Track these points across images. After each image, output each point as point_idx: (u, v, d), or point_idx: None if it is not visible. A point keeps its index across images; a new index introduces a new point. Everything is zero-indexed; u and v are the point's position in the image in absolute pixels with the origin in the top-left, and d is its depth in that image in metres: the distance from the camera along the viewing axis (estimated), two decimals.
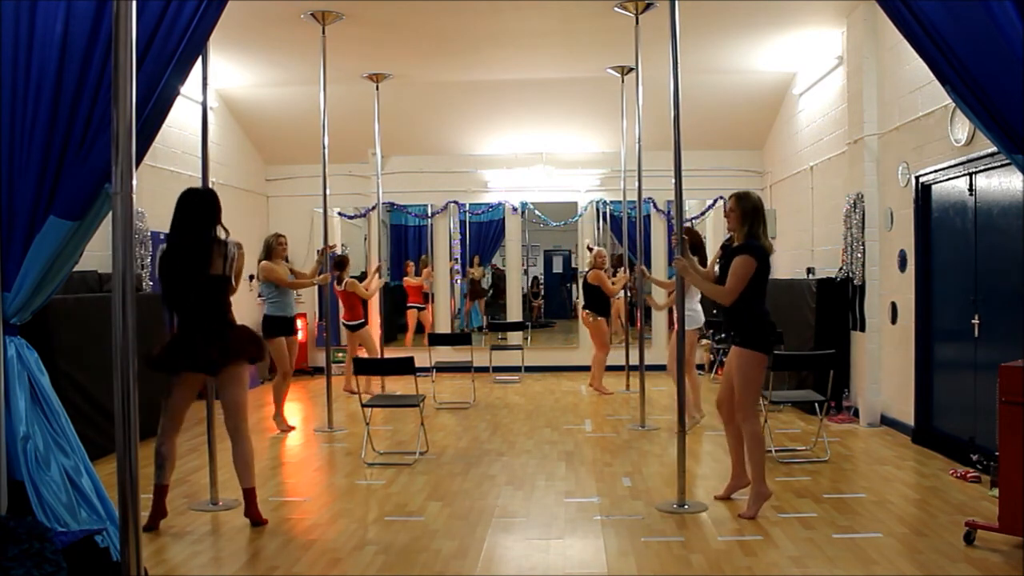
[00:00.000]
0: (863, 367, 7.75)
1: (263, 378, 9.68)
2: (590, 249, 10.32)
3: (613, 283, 9.90)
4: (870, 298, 7.75)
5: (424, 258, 12.72)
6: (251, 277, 11.51)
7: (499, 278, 13.94)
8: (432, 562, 4.24)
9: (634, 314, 10.85)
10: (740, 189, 5.36)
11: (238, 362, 4.76)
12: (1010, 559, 4.13)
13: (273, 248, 7.78)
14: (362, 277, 11.01)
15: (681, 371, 5.51)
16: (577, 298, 12.74)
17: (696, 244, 6.98)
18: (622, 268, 10.27)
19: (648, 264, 12.28)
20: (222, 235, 4.82)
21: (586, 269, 10.02)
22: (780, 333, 6.62)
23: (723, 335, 9.87)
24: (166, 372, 4.71)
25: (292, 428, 7.89)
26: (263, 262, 7.76)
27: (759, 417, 5.10)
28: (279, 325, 7.78)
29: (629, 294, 10.36)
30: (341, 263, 9.79)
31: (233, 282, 4.82)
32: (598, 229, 12.62)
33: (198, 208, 4.75)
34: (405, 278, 12.77)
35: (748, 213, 4.98)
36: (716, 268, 5.38)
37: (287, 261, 8.18)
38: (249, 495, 4.87)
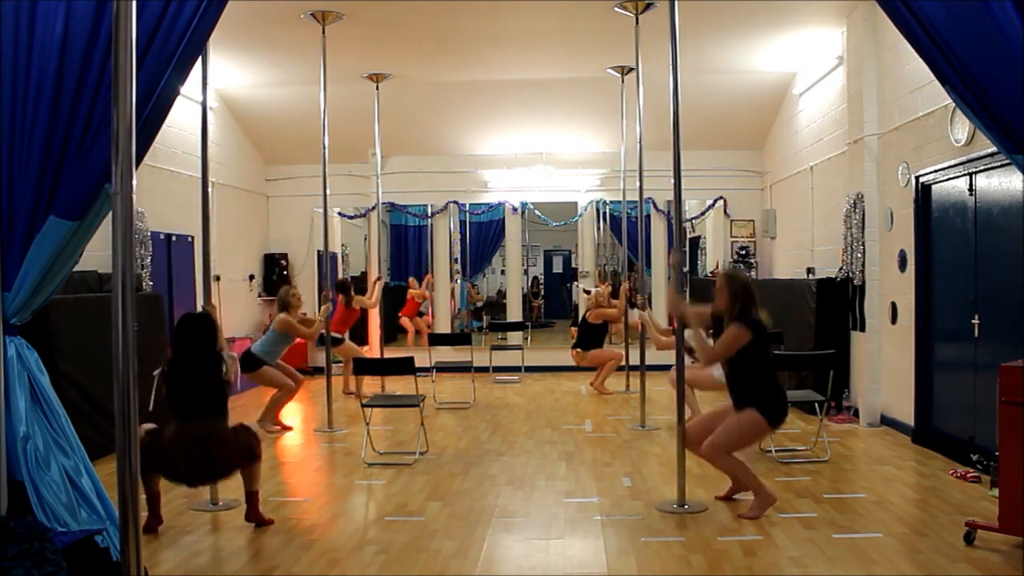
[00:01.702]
0: (863, 367, 7.75)
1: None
2: (587, 293, 10.27)
3: (615, 306, 9.86)
4: (870, 298, 7.74)
5: (428, 278, 12.66)
6: (251, 277, 11.55)
7: (500, 295, 14.01)
8: (432, 562, 4.24)
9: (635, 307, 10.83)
10: (727, 267, 5.38)
11: (224, 478, 4.80)
12: (1010, 559, 4.13)
13: (289, 303, 7.83)
14: (361, 278, 11.02)
15: (681, 371, 5.51)
16: (577, 298, 12.73)
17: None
18: (623, 284, 10.22)
19: (648, 264, 12.30)
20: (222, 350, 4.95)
21: (584, 311, 9.90)
22: (777, 356, 6.63)
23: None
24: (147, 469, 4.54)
25: (289, 428, 7.89)
26: (281, 315, 7.74)
27: (728, 458, 5.02)
28: (260, 361, 7.71)
29: (631, 301, 10.32)
30: (344, 287, 9.80)
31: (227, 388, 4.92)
32: (598, 229, 12.63)
33: (201, 331, 4.82)
34: (411, 291, 12.77)
35: (737, 293, 4.96)
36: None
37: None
38: (252, 498, 4.87)
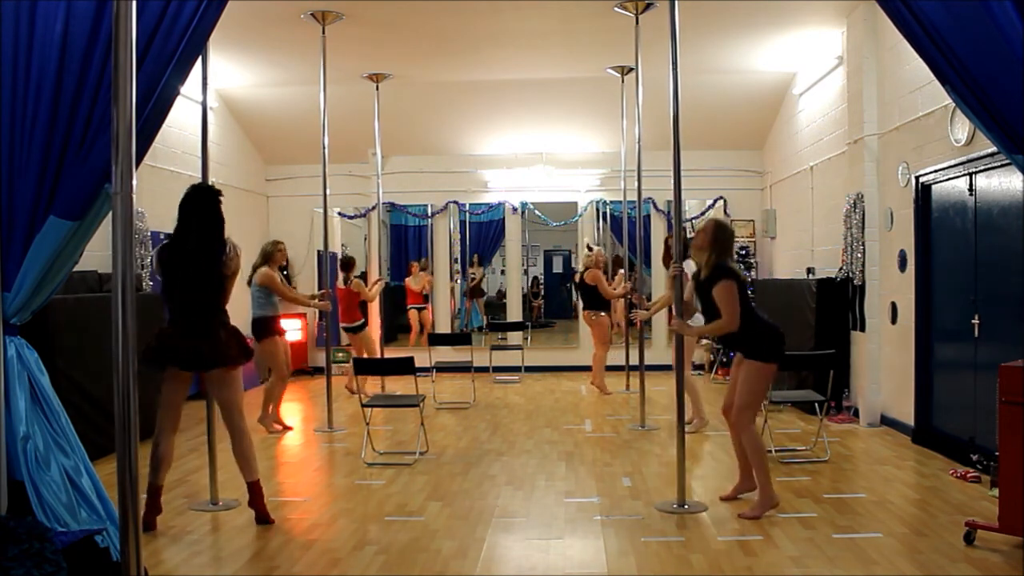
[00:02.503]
0: (863, 367, 7.75)
1: (263, 378, 9.62)
2: (590, 249, 10.29)
3: (612, 286, 9.85)
4: (870, 298, 7.75)
5: (424, 261, 12.67)
6: (249, 282, 11.54)
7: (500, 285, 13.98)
8: (432, 562, 4.24)
9: (632, 311, 10.83)
10: (719, 217, 5.51)
11: (222, 367, 4.75)
12: (1010, 559, 4.13)
13: (272, 255, 7.69)
14: (361, 278, 10.99)
15: (681, 371, 5.51)
16: (576, 300, 12.72)
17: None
18: (622, 270, 10.26)
19: (648, 264, 12.30)
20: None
21: (581, 268, 9.91)
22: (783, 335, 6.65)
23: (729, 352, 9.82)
24: (152, 368, 4.68)
25: (289, 428, 7.88)
26: (261, 268, 7.65)
27: (755, 424, 5.14)
28: (268, 325, 7.62)
29: (630, 300, 10.34)
30: (347, 264, 9.77)
31: (228, 283, 4.83)
32: (598, 229, 12.62)
33: (206, 206, 4.79)
34: (407, 279, 12.74)
35: (721, 241, 5.06)
36: (696, 301, 5.42)
37: (287, 264, 8.14)
38: (253, 488, 4.88)
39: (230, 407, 4.86)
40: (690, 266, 5.56)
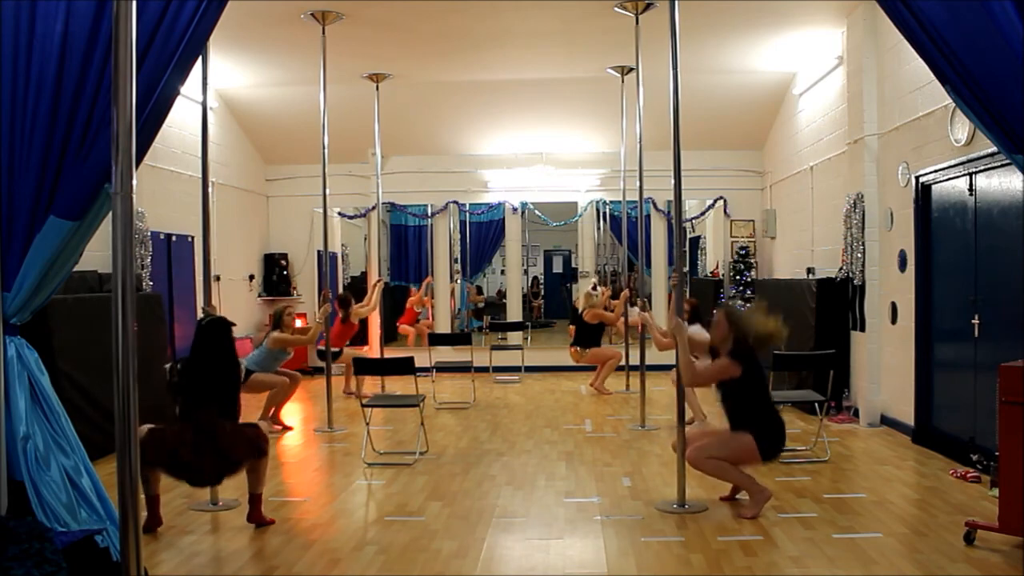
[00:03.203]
0: (863, 367, 7.75)
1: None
2: (594, 289, 10.24)
3: (613, 309, 9.84)
4: (870, 298, 7.74)
5: (428, 279, 12.62)
6: (251, 277, 11.55)
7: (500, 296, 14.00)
8: (432, 562, 4.24)
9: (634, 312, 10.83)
10: (727, 306, 5.59)
11: (232, 475, 4.74)
12: (1010, 559, 4.13)
13: (283, 322, 7.90)
14: (361, 278, 11.01)
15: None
16: (577, 299, 12.72)
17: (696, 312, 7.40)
18: (617, 300, 10.19)
19: (648, 264, 12.30)
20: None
21: (582, 307, 9.88)
22: (777, 356, 6.68)
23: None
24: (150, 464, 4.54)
25: (290, 428, 7.89)
26: (274, 333, 7.81)
27: (710, 461, 5.06)
28: (248, 373, 7.66)
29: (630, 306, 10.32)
30: (345, 302, 9.78)
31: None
32: (598, 229, 12.63)
33: (221, 337, 4.86)
34: (411, 299, 12.72)
35: (733, 330, 5.04)
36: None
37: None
38: (255, 500, 4.85)
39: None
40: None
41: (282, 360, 7.98)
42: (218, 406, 4.71)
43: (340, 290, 9.74)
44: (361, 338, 11.80)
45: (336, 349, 9.48)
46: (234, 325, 5.04)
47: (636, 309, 9.55)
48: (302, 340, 8.00)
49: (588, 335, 9.83)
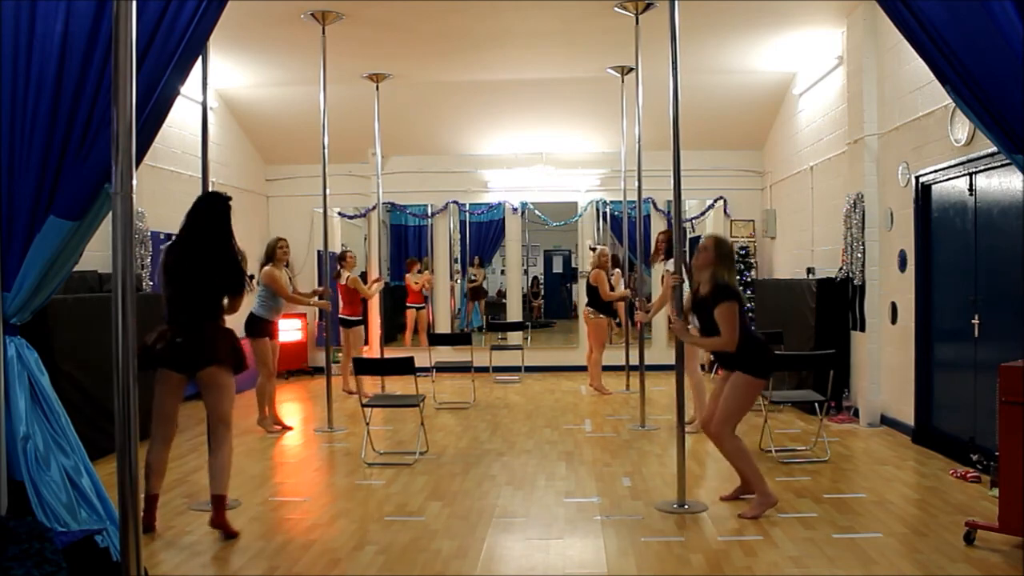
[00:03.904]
0: (863, 367, 7.75)
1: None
2: (593, 249, 10.35)
3: (612, 288, 9.89)
4: (870, 298, 7.74)
5: (425, 260, 12.66)
6: (251, 277, 11.53)
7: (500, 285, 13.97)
8: (432, 562, 4.24)
9: (634, 314, 10.83)
10: (716, 233, 5.56)
11: (216, 366, 4.63)
12: (1010, 559, 4.13)
13: (275, 253, 7.73)
14: (361, 278, 10.98)
15: (681, 371, 5.50)
16: (577, 298, 12.77)
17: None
18: (618, 269, 10.29)
19: (648, 264, 12.29)
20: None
21: (588, 269, 10.02)
22: (777, 356, 6.70)
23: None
24: (143, 368, 4.52)
25: (289, 428, 7.87)
26: (266, 267, 7.70)
27: (734, 434, 5.11)
28: (263, 327, 7.63)
29: (631, 303, 10.37)
30: (341, 257, 9.79)
31: (236, 300, 4.80)
32: (598, 229, 12.62)
33: (218, 216, 4.76)
34: (407, 275, 12.70)
35: (724, 257, 5.12)
36: (694, 320, 5.45)
37: (288, 266, 8.14)
38: (218, 502, 4.66)
39: (217, 414, 4.69)
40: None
41: (278, 307, 7.73)
42: (207, 304, 4.60)
43: (339, 286, 9.72)
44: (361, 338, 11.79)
45: (349, 318, 9.46)
46: (230, 199, 4.86)
47: (621, 287, 9.95)
48: (284, 291, 7.67)
49: (595, 295, 9.84)
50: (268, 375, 7.71)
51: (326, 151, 8.01)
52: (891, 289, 7.48)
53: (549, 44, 8.93)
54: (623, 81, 9.43)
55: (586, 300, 10.20)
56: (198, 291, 4.63)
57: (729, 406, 5.05)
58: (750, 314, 10.85)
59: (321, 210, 8.22)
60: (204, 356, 4.60)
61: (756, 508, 4.93)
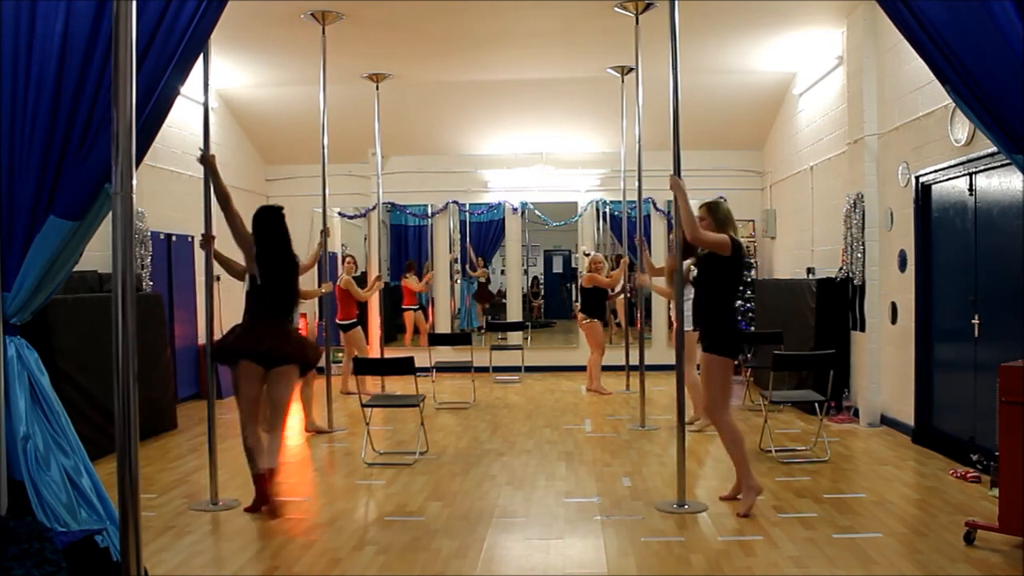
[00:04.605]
0: (863, 367, 7.75)
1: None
2: (587, 255, 10.43)
3: (611, 276, 9.95)
4: (870, 298, 7.74)
5: (426, 264, 12.64)
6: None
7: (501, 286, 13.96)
8: (432, 562, 4.24)
9: (633, 314, 10.84)
10: (711, 199, 5.64)
11: (292, 363, 5.14)
12: (1010, 559, 4.13)
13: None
14: (361, 278, 10.99)
15: (681, 371, 5.50)
16: (576, 301, 12.75)
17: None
18: (624, 257, 10.31)
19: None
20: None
21: (582, 273, 10.09)
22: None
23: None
24: (224, 362, 5.17)
25: (330, 430, 7.84)
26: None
27: (730, 417, 5.22)
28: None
29: (629, 295, 10.41)
30: (342, 260, 9.81)
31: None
32: (598, 229, 12.62)
33: (284, 225, 5.36)
34: (404, 280, 12.70)
35: (723, 221, 5.22)
36: (690, 285, 5.52)
37: None
38: (270, 476, 5.04)
39: (281, 405, 5.14)
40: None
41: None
42: (283, 309, 5.21)
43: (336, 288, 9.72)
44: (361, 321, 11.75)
45: (344, 322, 9.48)
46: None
47: (636, 276, 9.79)
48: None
49: (588, 301, 9.94)
50: (307, 380, 7.74)
51: (326, 151, 8.01)
52: (891, 289, 7.48)
53: (549, 44, 8.93)
54: (623, 81, 9.43)
55: (580, 306, 10.24)
56: (281, 294, 5.20)
57: (710, 390, 5.19)
58: (750, 314, 10.88)
59: (321, 210, 8.22)
60: (285, 354, 5.10)
61: (746, 503, 4.98)
